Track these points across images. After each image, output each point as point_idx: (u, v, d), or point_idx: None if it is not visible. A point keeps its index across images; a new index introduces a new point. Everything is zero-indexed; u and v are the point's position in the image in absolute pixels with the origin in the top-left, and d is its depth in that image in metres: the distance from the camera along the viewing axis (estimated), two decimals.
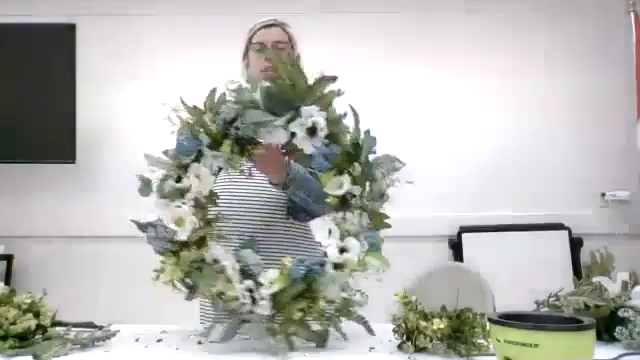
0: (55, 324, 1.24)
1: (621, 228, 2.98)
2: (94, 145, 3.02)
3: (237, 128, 1.20)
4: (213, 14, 3.14)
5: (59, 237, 2.99)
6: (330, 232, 1.17)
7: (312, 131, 1.18)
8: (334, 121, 1.21)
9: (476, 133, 3.11)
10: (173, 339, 1.26)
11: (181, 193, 1.19)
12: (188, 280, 1.18)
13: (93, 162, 3.03)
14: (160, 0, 3.16)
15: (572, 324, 0.98)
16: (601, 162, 3.08)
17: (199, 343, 1.23)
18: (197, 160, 1.21)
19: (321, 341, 1.18)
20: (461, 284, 1.58)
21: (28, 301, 1.20)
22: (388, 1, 3.17)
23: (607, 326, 1.16)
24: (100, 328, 1.30)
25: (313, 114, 1.17)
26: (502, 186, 3.07)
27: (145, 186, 1.22)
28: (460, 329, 1.12)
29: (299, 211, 1.53)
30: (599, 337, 1.08)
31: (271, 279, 1.14)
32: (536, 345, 0.92)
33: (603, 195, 3.07)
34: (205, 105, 1.24)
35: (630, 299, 1.20)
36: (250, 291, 1.14)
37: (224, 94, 1.23)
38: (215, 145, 1.21)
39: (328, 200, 1.21)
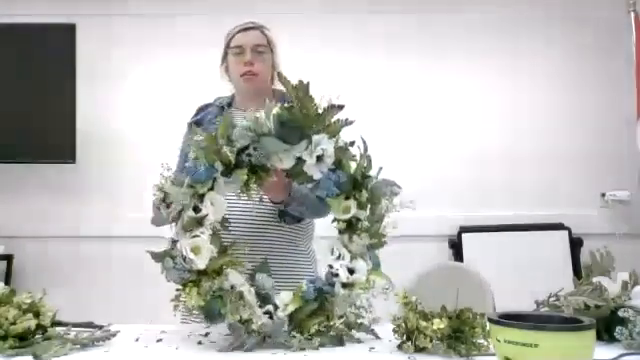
0: (55, 324, 1.24)
1: (621, 228, 2.98)
2: (94, 145, 3.02)
3: (249, 155, 1.24)
4: (213, 14, 3.13)
5: (59, 237, 2.99)
6: (340, 255, 1.25)
7: (320, 157, 1.24)
8: (341, 149, 1.27)
9: (476, 133, 3.11)
10: (173, 339, 1.26)
11: (198, 222, 1.21)
12: (209, 308, 1.20)
13: (93, 162, 3.03)
14: (160, 0, 3.16)
15: (572, 324, 0.98)
16: (601, 162, 3.08)
17: (199, 343, 1.23)
18: (212, 188, 1.24)
19: (340, 344, 1.23)
20: (461, 284, 1.58)
21: (28, 301, 1.21)
22: (388, 1, 3.17)
23: (607, 326, 1.16)
24: (100, 328, 1.30)
25: (322, 142, 1.23)
26: (502, 186, 3.07)
27: (160, 217, 1.24)
28: (460, 329, 1.12)
29: (290, 216, 1.57)
30: (599, 337, 1.07)
31: (286, 301, 1.22)
32: (536, 345, 0.92)
33: (603, 195, 3.07)
34: (219, 133, 1.26)
35: (630, 299, 1.20)
36: (269, 314, 1.21)
37: (233, 121, 1.26)
38: (227, 172, 1.24)
39: (336, 225, 1.28)
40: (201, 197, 1.23)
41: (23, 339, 1.15)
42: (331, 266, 1.24)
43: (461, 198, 3.05)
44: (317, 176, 1.26)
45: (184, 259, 1.18)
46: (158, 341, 1.25)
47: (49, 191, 3.05)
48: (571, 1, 3.19)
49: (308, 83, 1.24)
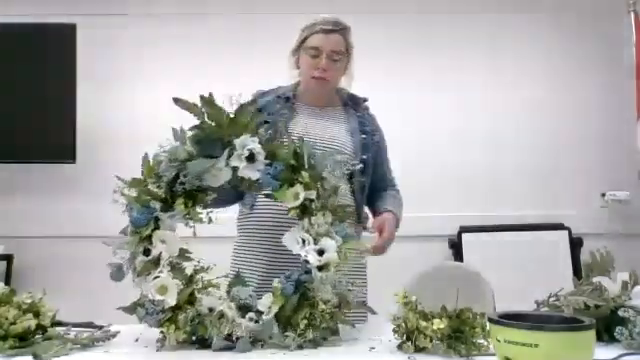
0: (55, 324, 1.24)
1: (621, 228, 2.98)
2: (94, 145, 3.02)
3: (182, 183, 1.23)
4: (213, 14, 3.14)
5: (59, 237, 2.98)
6: (304, 241, 1.23)
7: (251, 158, 1.23)
8: (267, 141, 1.26)
9: (476, 133, 3.11)
10: (173, 339, 1.25)
11: (154, 263, 1.21)
12: (193, 336, 1.20)
13: (93, 162, 3.02)
14: (160, 0, 3.16)
15: (572, 324, 0.98)
16: (601, 162, 3.09)
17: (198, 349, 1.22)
18: (157, 227, 1.23)
19: (334, 334, 1.23)
20: (461, 284, 1.58)
21: (28, 301, 1.21)
22: (388, 2, 3.17)
23: (607, 326, 1.16)
24: (100, 328, 1.31)
25: (246, 143, 1.23)
26: (502, 186, 3.07)
27: (117, 271, 1.26)
28: (460, 329, 1.12)
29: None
30: (599, 337, 1.08)
31: (268, 303, 1.21)
32: (536, 345, 0.92)
33: (603, 195, 3.07)
34: (143, 174, 1.27)
35: (630, 299, 1.20)
36: (255, 321, 1.20)
37: (157, 155, 1.27)
38: (167, 207, 1.24)
39: (290, 214, 1.27)
40: (149, 239, 1.23)
41: (23, 339, 1.15)
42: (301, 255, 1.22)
43: (461, 198, 3.05)
44: (255, 176, 1.25)
45: (153, 302, 1.18)
46: (158, 341, 1.25)
47: (49, 191, 3.05)
48: (571, 1, 3.19)
49: (210, 94, 1.24)
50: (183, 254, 1.27)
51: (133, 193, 1.27)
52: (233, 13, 3.13)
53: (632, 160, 2.91)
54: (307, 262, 1.21)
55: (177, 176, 1.24)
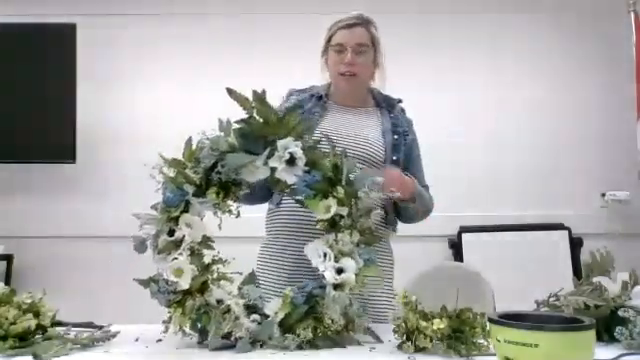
0: (55, 324, 1.24)
1: (621, 228, 2.98)
2: (94, 145, 3.02)
3: (219, 173, 1.24)
4: (213, 14, 3.14)
5: (59, 237, 2.99)
6: (325, 255, 1.22)
7: (291, 162, 1.23)
8: (311, 149, 1.26)
9: (476, 133, 3.11)
10: (173, 339, 1.26)
11: (175, 244, 1.23)
12: (198, 324, 1.21)
13: (93, 162, 3.03)
14: (160, 0, 3.16)
15: (572, 324, 0.98)
16: (601, 162, 3.08)
17: (199, 343, 1.23)
18: (186, 210, 1.25)
19: (337, 345, 1.21)
20: (461, 284, 1.58)
21: (28, 301, 1.21)
22: (388, 2, 3.17)
23: (607, 326, 1.17)
24: (100, 328, 1.31)
25: (289, 146, 1.23)
26: (502, 186, 3.07)
27: (140, 244, 1.25)
28: (460, 329, 1.12)
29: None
30: (599, 337, 1.08)
31: (275, 308, 1.21)
32: (536, 345, 0.92)
33: (603, 195, 3.07)
34: (184, 156, 1.28)
35: (630, 299, 1.20)
36: (259, 323, 1.20)
37: (201, 141, 1.27)
38: (200, 192, 1.26)
39: (319, 226, 1.26)
40: (176, 220, 1.24)
41: (23, 339, 1.15)
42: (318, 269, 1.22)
43: (461, 198, 3.05)
44: (291, 180, 1.25)
45: (167, 282, 1.19)
46: (158, 341, 1.25)
47: (49, 191, 3.05)
48: (571, 1, 3.19)
49: (264, 91, 1.24)
50: (205, 241, 1.28)
51: (170, 173, 1.27)
52: (233, 13, 3.13)
53: (632, 160, 2.91)
54: (324, 277, 1.21)
55: (215, 165, 1.25)
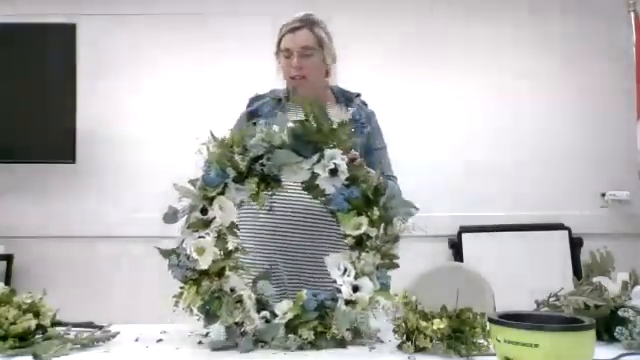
0: (55, 324, 1.24)
1: (621, 228, 2.98)
2: (94, 145, 3.02)
3: (263, 165, 1.27)
4: (213, 14, 3.14)
5: (59, 237, 2.99)
6: (346, 270, 1.24)
7: (333, 172, 1.27)
8: (357, 166, 1.30)
9: (476, 133, 3.11)
10: (173, 339, 1.26)
11: (205, 224, 1.25)
12: (207, 307, 1.22)
13: (93, 162, 3.03)
14: (160, 0, 3.16)
15: (572, 324, 0.98)
16: (601, 162, 3.08)
17: (199, 343, 1.23)
18: (222, 193, 1.27)
19: (340, 346, 1.22)
20: (461, 284, 1.58)
21: (28, 301, 1.21)
22: (387, 5, 3.17)
23: (607, 326, 1.16)
24: (100, 328, 1.31)
25: (335, 157, 1.27)
26: (502, 186, 3.07)
27: (172, 215, 1.27)
28: (460, 329, 1.12)
29: None
30: (599, 337, 1.07)
31: (285, 309, 1.22)
32: (536, 345, 0.92)
33: (603, 195, 3.07)
34: (232, 139, 1.29)
35: (630, 299, 1.20)
36: (266, 320, 1.21)
37: (253, 123, 1.32)
38: (240, 179, 1.28)
39: (346, 241, 1.28)
40: (211, 200, 1.26)
41: (23, 339, 1.15)
42: (335, 281, 1.24)
43: (461, 198, 3.05)
44: (330, 190, 1.28)
45: (187, 258, 1.20)
46: (158, 341, 1.25)
47: (49, 191, 3.05)
48: (571, 1, 3.19)
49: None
50: (232, 227, 1.29)
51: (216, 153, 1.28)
52: (233, 13, 3.13)
53: (632, 160, 2.91)
54: (337, 290, 1.23)
55: (261, 156, 1.27)
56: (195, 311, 1.22)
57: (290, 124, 1.29)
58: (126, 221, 2.87)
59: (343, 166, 1.27)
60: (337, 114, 1.72)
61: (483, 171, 3.07)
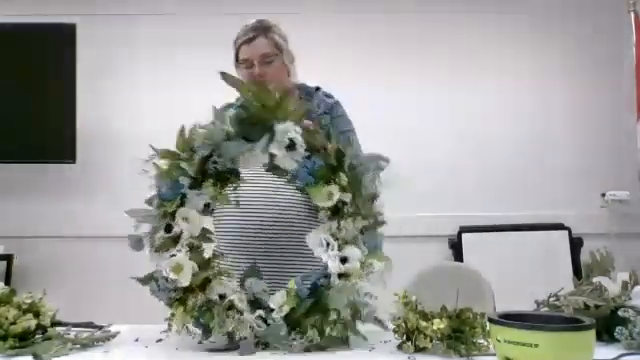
0: (55, 324, 1.24)
1: (621, 228, 2.98)
2: (94, 145, 3.02)
3: (215, 163, 1.19)
4: (213, 14, 3.14)
5: (59, 237, 2.99)
6: (329, 245, 1.17)
7: (291, 147, 1.18)
8: (310, 134, 1.21)
9: (476, 133, 3.11)
10: (173, 339, 1.26)
11: (173, 241, 1.18)
12: (201, 320, 1.18)
13: (93, 162, 3.03)
14: (160, 0, 3.16)
15: (572, 324, 0.98)
16: (601, 162, 3.08)
17: (199, 343, 1.23)
18: (182, 204, 1.20)
19: (343, 343, 1.18)
20: (461, 284, 1.58)
21: (28, 301, 1.21)
22: (388, 2, 3.17)
23: (607, 326, 1.16)
24: (100, 328, 1.31)
25: (288, 130, 1.17)
26: (502, 186, 3.07)
27: (137, 243, 1.21)
28: (460, 329, 1.12)
29: None
30: (599, 337, 1.07)
31: (280, 302, 1.16)
32: (536, 345, 0.92)
33: (603, 195, 3.07)
34: (178, 147, 1.22)
35: (630, 299, 1.20)
36: (263, 319, 1.16)
37: (192, 132, 1.22)
38: (196, 184, 1.20)
39: (320, 213, 1.21)
40: (172, 215, 1.19)
41: (23, 339, 1.15)
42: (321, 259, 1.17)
43: (461, 198, 3.05)
44: (291, 167, 1.20)
45: (166, 280, 1.15)
46: (158, 341, 1.25)
47: (49, 191, 3.05)
48: (571, 1, 3.19)
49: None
50: (204, 234, 1.23)
51: (163, 166, 1.21)
52: (233, 13, 3.12)
53: (632, 160, 2.91)
54: (326, 267, 1.17)
55: (211, 155, 1.19)
56: (193, 331, 1.19)
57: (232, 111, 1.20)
58: (126, 221, 2.86)
59: (299, 138, 1.17)
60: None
61: (483, 171, 3.08)
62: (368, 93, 2.94)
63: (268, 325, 1.17)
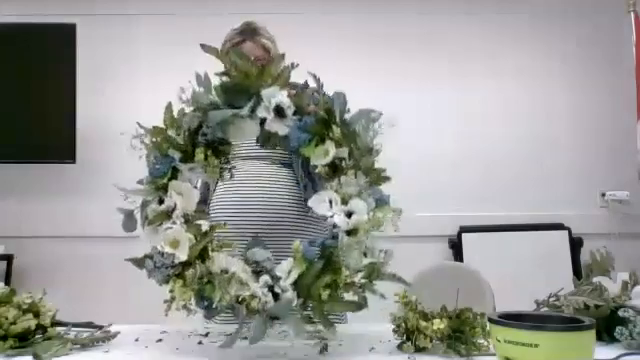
0: (55, 324, 1.24)
1: (621, 228, 2.98)
2: (94, 145, 3.02)
3: (204, 134, 1.15)
4: (213, 14, 3.14)
5: (59, 237, 2.99)
6: (331, 202, 1.11)
7: (280, 112, 1.13)
8: (298, 96, 1.16)
9: (476, 133, 3.11)
10: (173, 339, 1.26)
11: (166, 215, 1.12)
12: (202, 296, 1.10)
13: (93, 162, 3.03)
14: (160, 0, 3.16)
15: (572, 324, 0.98)
16: (601, 162, 3.09)
17: (199, 343, 1.23)
18: (174, 178, 1.16)
19: (360, 308, 1.12)
20: (461, 284, 1.57)
21: (28, 301, 1.20)
22: (388, 2, 3.17)
23: (607, 326, 1.16)
24: (100, 328, 1.30)
25: (274, 95, 1.13)
26: (502, 186, 3.07)
27: (128, 219, 1.16)
28: (460, 329, 1.12)
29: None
30: (599, 337, 1.07)
31: (287, 268, 1.09)
32: (536, 345, 0.92)
33: (603, 195, 3.07)
34: (165, 122, 1.18)
35: (630, 299, 1.20)
36: (270, 287, 1.08)
37: (182, 109, 1.18)
38: (187, 157, 1.16)
39: (318, 170, 1.15)
40: (165, 189, 1.14)
41: (23, 339, 1.14)
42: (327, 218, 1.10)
43: (461, 198, 3.06)
44: (283, 131, 1.14)
45: (162, 255, 1.08)
46: (158, 341, 1.25)
47: (49, 191, 3.05)
48: (571, 1, 3.19)
49: (241, 47, 1.17)
50: (200, 211, 1.19)
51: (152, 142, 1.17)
52: (233, 13, 3.12)
53: (632, 160, 2.91)
54: (334, 226, 1.09)
55: (200, 127, 1.15)
56: (195, 309, 1.12)
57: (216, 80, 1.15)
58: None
59: (286, 100, 1.12)
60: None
61: (483, 171, 3.08)
62: (368, 93, 2.93)
63: (276, 297, 1.08)
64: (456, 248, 3.01)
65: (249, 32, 1.69)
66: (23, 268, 2.94)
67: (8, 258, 2.92)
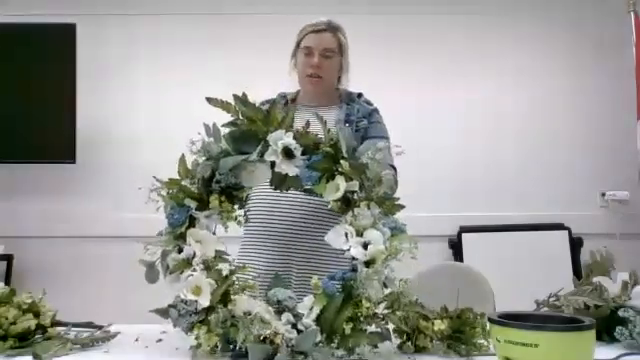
0: (55, 324, 1.24)
1: (621, 228, 2.98)
2: (94, 145, 3.02)
3: (218, 181, 1.20)
4: (213, 14, 3.14)
5: (59, 237, 2.99)
6: (347, 235, 1.13)
7: (288, 153, 1.17)
8: (304, 135, 1.20)
9: (476, 133, 3.11)
10: (173, 339, 1.26)
11: (187, 263, 1.16)
12: (227, 340, 1.12)
13: (93, 162, 3.03)
14: (160, 0, 3.16)
15: (572, 324, 0.98)
16: (601, 162, 3.09)
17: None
18: (192, 226, 1.20)
19: (384, 339, 1.14)
20: (461, 284, 1.58)
21: (28, 301, 1.20)
22: (388, 2, 3.17)
23: (607, 326, 1.16)
24: (100, 328, 1.30)
25: (281, 137, 1.17)
26: (502, 186, 3.07)
27: (150, 270, 1.20)
28: (460, 329, 1.12)
29: None
30: (599, 337, 1.08)
31: (309, 306, 1.13)
32: (536, 345, 0.92)
33: (603, 195, 3.07)
34: (180, 174, 1.23)
35: (630, 299, 1.20)
36: (293, 325, 1.12)
37: (195, 160, 1.22)
38: (203, 205, 1.21)
39: (331, 206, 1.19)
40: (183, 238, 1.18)
41: (23, 339, 1.14)
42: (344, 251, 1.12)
43: (461, 198, 3.05)
44: (293, 172, 1.18)
45: (185, 303, 1.12)
46: (158, 341, 1.25)
47: (49, 191, 3.05)
48: (571, 1, 3.19)
49: (244, 94, 1.21)
50: (219, 256, 1.20)
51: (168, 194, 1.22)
52: (233, 13, 3.13)
53: (632, 160, 2.91)
54: (353, 259, 1.12)
55: (213, 175, 1.20)
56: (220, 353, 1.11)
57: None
58: (126, 221, 2.87)
59: (292, 142, 1.16)
60: (337, 114, 1.75)
61: (483, 171, 3.08)
62: (368, 93, 2.94)
63: (299, 332, 1.10)
64: (456, 248, 3.01)
65: (333, 26, 1.75)
66: (23, 268, 2.94)
67: (8, 258, 2.92)
